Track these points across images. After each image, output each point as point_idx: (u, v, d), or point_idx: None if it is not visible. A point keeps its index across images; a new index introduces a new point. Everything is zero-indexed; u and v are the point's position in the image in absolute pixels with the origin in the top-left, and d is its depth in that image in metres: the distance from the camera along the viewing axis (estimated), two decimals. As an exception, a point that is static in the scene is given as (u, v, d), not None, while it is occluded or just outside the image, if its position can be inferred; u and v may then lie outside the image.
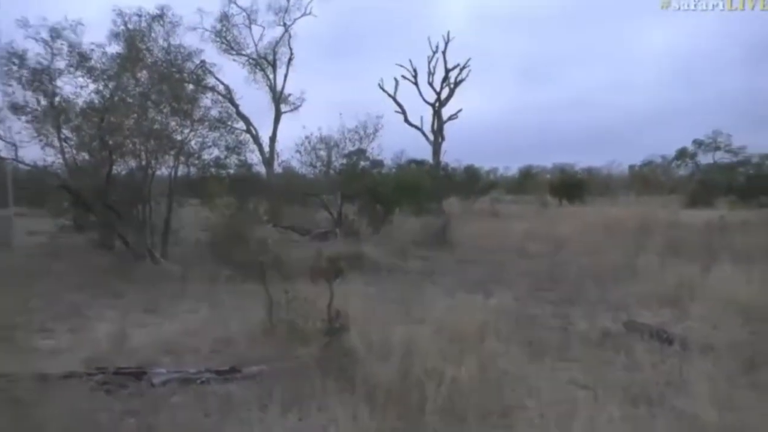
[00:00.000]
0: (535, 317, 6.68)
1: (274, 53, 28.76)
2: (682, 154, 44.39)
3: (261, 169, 24.89)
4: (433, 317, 5.65)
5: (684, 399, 3.86)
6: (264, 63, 28.77)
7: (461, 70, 30.56)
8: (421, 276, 9.72)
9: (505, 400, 4.04)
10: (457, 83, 30.81)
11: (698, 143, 42.83)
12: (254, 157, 22.54)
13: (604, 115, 76.72)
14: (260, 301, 5.92)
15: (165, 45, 13.40)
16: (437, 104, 30.83)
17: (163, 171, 12.11)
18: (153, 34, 13.92)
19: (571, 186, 34.90)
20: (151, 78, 11.42)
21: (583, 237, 14.28)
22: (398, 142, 36.95)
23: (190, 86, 12.70)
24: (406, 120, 30.95)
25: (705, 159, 42.84)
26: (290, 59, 28.78)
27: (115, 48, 12.63)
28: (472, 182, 36.16)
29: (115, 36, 14.65)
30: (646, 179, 44.64)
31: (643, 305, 7.20)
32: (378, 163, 20.61)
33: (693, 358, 4.72)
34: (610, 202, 30.85)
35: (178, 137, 11.62)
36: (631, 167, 49.90)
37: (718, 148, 41.83)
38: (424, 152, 31.28)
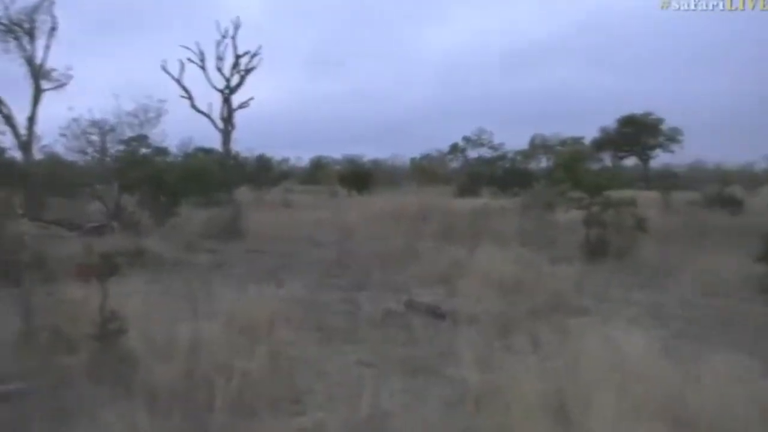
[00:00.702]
0: (325, 304, 6.87)
1: (32, 20, 24.80)
2: (454, 148, 49.66)
3: (16, 154, 21.44)
4: (222, 311, 5.46)
5: (454, 366, 4.33)
6: (18, 30, 24.67)
7: (252, 57, 29.94)
8: (210, 269, 9.34)
9: (296, 386, 4.10)
10: (247, 70, 30.09)
11: (467, 139, 48.35)
12: (7, 140, 19.40)
13: (389, 109, 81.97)
14: (16, 307, 5.11)
15: None
16: (227, 91, 29.79)
17: None
18: None
19: (359, 177, 36.48)
20: None
21: (370, 225, 15.07)
22: (185, 129, 35.02)
23: None
24: (193, 106, 29.35)
25: (473, 153, 48.54)
26: (53, 29, 25.09)
27: None
28: (264, 172, 35.82)
29: None
30: (425, 171, 48.79)
31: (422, 285, 7.88)
32: (162, 151, 19.19)
33: (461, 329, 5.31)
34: (395, 192, 33.06)
35: None
36: (412, 159, 54.16)
37: (482, 145, 47.71)
38: (214, 140, 30.09)
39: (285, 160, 51.55)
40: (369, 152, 54.33)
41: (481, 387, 3.76)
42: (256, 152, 36.53)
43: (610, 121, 45.76)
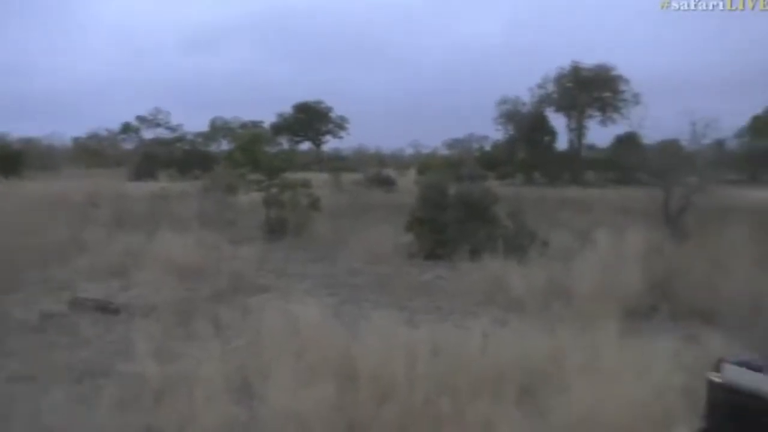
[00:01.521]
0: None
1: None
2: (127, 128, 45.48)
3: None
4: None
5: (129, 362, 4.01)
6: None
7: None
8: None
9: None
10: None
11: (141, 119, 44.78)
12: None
13: (45, 83, 70.59)
14: None
15: None
16: None
17: None
18: None
19: (5, 158, 30.61)
20: None
21: (22, 216, 12.76)
22: None
23: None
24: None
25: (148, 134, 45.25)
26: None
27: None
28: None
29: None
30: (93, 152, 43.68)
31: (91, 280, 7.07)
32: None
33: (137, 322, 4.95)
34: (54, 176, 28.76)
35: None
36: (76, 139, 47.77)
37: (159, 125, 44.83)
38: None
39: None
40: (17, 130, 45.87)
41: (161, 380, 3.58)
42: None
43: (287, 107, 48.37)
